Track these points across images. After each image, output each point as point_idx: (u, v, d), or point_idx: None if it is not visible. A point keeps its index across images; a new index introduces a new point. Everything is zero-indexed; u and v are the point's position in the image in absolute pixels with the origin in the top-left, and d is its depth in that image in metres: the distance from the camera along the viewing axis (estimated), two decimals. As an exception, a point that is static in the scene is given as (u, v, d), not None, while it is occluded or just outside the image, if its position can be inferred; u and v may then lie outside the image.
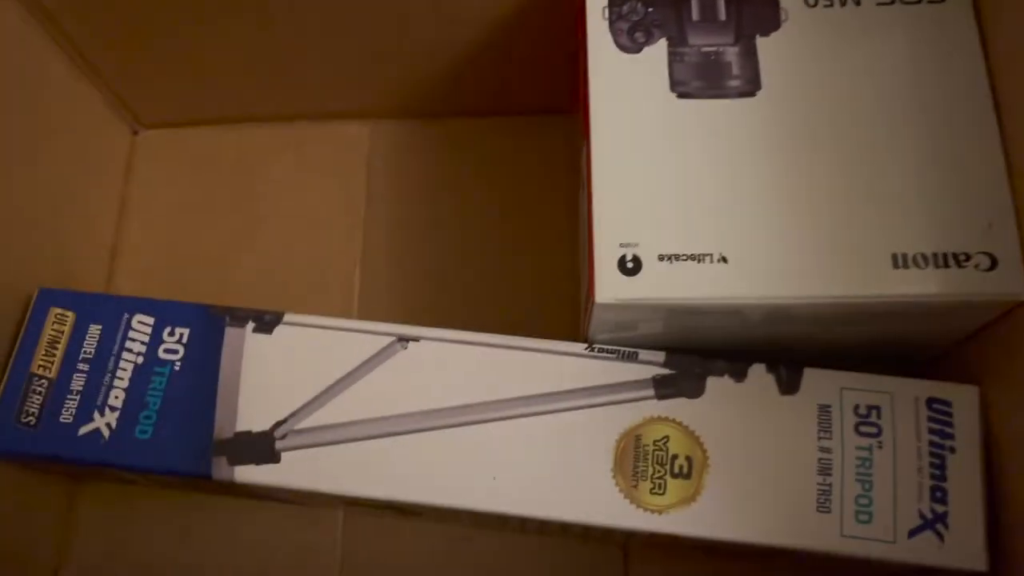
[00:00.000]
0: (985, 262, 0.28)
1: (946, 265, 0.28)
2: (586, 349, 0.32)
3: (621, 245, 0.29)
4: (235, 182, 0.44)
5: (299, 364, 0.33)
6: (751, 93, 0.31)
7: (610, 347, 0.32)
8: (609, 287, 0.29)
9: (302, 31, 0.40)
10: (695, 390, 0.32)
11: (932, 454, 0.30)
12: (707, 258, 0.29)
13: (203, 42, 0.41)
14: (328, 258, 0.42)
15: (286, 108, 0.45)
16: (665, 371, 0.32)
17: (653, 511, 0.30)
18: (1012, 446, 0.30)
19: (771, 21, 0.32)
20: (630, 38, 0.32)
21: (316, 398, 0.33)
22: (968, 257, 0.28)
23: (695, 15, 0.32)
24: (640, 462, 0.31)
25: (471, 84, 0.43)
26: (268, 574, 0.39)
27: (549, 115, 0.43)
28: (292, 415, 0.33)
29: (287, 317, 0.34)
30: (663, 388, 0.32)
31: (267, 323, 0.34)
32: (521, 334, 0.33)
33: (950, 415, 0.31)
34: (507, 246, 0.42)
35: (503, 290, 0.41)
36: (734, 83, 0.31)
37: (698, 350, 0.32)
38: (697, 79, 0.31)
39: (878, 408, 0.31)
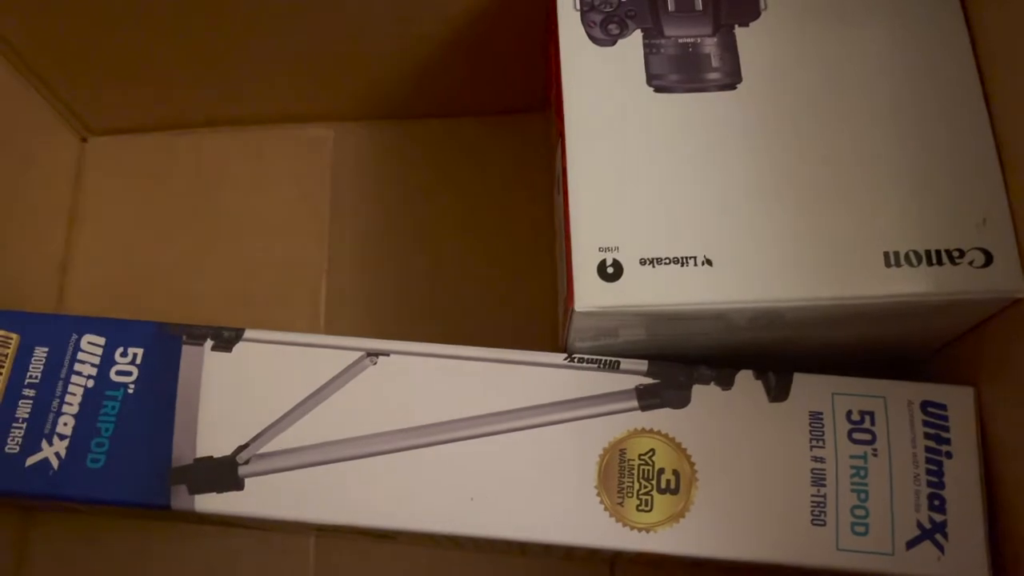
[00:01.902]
0: (980, 259, 0.27)
1: (939, 263, 0.27)
2: (565, 359, 0.31)
3: (600, 249, 0.28)
4: (192, 190, 0.42)
5: (262, 383, 0.31)
6: (732, 86, 0.29)
7: (590, 357, 0.31)
8: (588, 294, 0.27)
9: (259, 31, 0.38)
10: (680, 400, 0.30)
11: (929, 460, 0.29)
12: (691, 261, 0.27)
13: (154, 44, 0.39)
14: (292, 269, 0.40)
15: (245, 112, 0.43)
16: (648, 380, 0.31)
17: (640, 529, 0.29)
18: (1010, 448, 0.29)
19: (750, 10, 0.30)
20: (603, 30, 0.30)
21: (281, 419, 0.31)
22: (962, 254, 0.27)
23: (671, 5, 0.30)
24: (625, 478, 0.29)
25: (440, 83, 0.41)
26: (236, 603, 0.37)
27: (523, 114, 0.42)
28: (255, 438, 0.31)
29: (248, 333, 0.32)
30: (647, 398, 0.30)
31: (226, 340, 0.32)
32: (497, 345, 0.31)
33: (946, 418, 0.29)
34: (481, 252, 0.40)
35: (477, 299, 0.39)
36: (714, 76, 0.29)
37: (683, 357, 0.31)
38: (675, 72, 0.30)
39: (871, 413, 0.30)
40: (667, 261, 0.27)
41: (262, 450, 0.30)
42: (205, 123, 0.43)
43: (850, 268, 0.27)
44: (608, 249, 0.28)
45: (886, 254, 0.27)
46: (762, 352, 0.31)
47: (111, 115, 0.43)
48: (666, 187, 0.28)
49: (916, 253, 0.27)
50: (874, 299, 0.27)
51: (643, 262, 0.27)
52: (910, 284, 0.27)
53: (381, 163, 0.42)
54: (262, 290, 0.40)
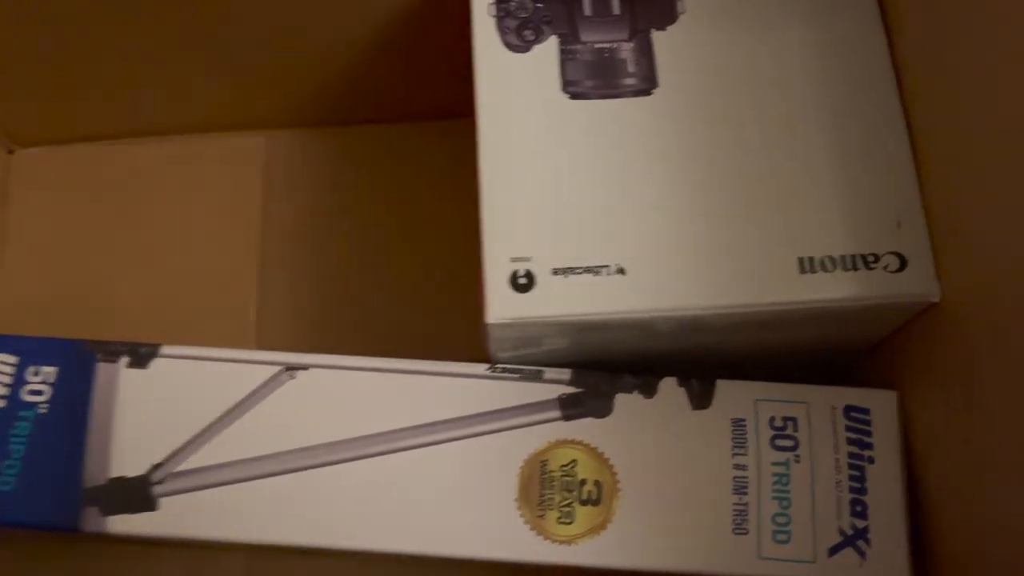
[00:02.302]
0: (895, 263, 0.27)
1: (855, 268, 0.27)
2: (488, 370, 0.30)
3: (512, 259, 0.27)
4: (121, 202, 0.41)
5: (178, 400, 0.30)
6: (647, 92, 0.29)
7: (513, 367, 0.30)
8: (500, 306, 0.27)
9: (186, 39, 0.37)
10: (603, 409, 0.30)
11: (851, 466, 0.29)
12: (604, 270, 0.27)
13: (80, 54, 0.38)
14: (223, 282, 0.39)
15: (175, 121, 0.42)
16: (571, 390, 0.30)
17: (562, 542, 0.28)
18: (932, 452, 0.28)
19: (667, 14, 0.30)
20: (518, 36, 0.29)
21: (196, 437, 0.30)
22: (877, 258, 0.27)
23: (587, 10, 0.30)
24: (546, 490, 0.29)
25: (372, 88, 0.40)
26: (167, 623, 0.36)
27: (458, 119, 0.41)
28: (170, 457, 0.30)
29: (164, 349, 0.31)
30: (569, 408, 0.30)
31: (142, 357, 0.31)
32: (430, 354, 0.31)
33: (868, 423, 0.29)
34: (415, 261, 0.39)
35: (412, 309, 0.39)
36: (629, 81, 0.29)
37: (609, 363, 0.31)
38: (590, 78, 0.29)
39: (794, 419, 0.29)
40: (580, 271, 0.27)
41: (177, 469, 0.30)
42: (135, 133, 0.42)
43: (765, 275, 0.27)
44: (520, 259, 0.27)
45: (801, 260, 0.27)
46: (687, 358, 0.31)
47: (37, 126, 0.42)
48: (580, 195, 0.28)
49: (831, 258, 0.27)
50: (789, 305, 0.27)
51: (556, 272, 0.27)
52: (825, 290, 0.27)
53: (313, 171, 0.41)
54: (191, 304, 0.39)
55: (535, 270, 0.27)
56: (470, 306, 0.39)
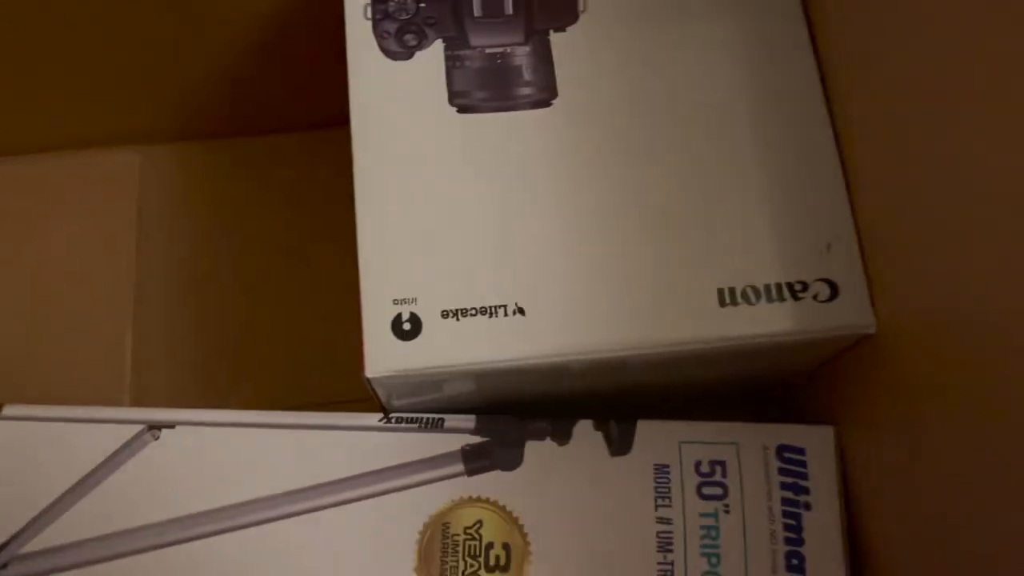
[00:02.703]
0: (824, 291, 0.24)
1: (780, 298, 0.24)
2: (381, 420, 0.27)
3: (395, 302, 0.24)
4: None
5: (24, 469, 0.26)
6: (546, 103, 0.26)
7: (411, 415, 0.27)
8: (381, 356, 0.23)
9: (39, 46, 0.33)
10: (512, 460, 0.27)
11: (786, 513, 0.26)
12: (500, 310, 0.24)
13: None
14: (92, 321, 0.35)
15: (27, 138, 0.37)
16: (476, 439, 0.27)
17: (467, 615, 0.25)
18: (873, 500, 0.26)
19: (568, 13, 0.26)
20: (398, 41, 0.26)
21: (46, 511, 0.26)
22: (805, 287, 0.24)
23: (476, 10, 0.26)
24: (449, 556, 0.26)
25: (250, 99, 0.36)
26: None
27: (339, 127, 0.37)
28: (15, 537, 0.26)
29: (5, 410, 0.27)
30: (474, 461, 0.27)
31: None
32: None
33: (803, 464, 0.26)
34: (309, 286, 0.36)
35: (300, 341, 0.35)
36: (525, 91, 0.26)
37: (520, 405, 0.27)
38: (481, 89, 0.26)
39: (722, 463, 0.26)
40: (473, 312, 0.24)
41: (23, 550, 0.26)
42: None
43: (681, 309, 0.24)
44: (404, 301, 0.24)
45: (720, 291, 0.24)
46: (606, 397, 0.28)
47: None
48: (471, 224, 0.24)
49: (754, 288, 0.24)
50: (709, 344, 0.24)
51: (445, 314, 0.24)
52: (748, 325, 0.24)
53: (193, 189, 0.37)
54: (55, 349, 0.35)
55: (421, 313, 0.24)
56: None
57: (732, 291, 0.24)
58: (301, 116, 0.37)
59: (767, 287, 0.24)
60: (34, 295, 0.35)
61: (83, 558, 0.26)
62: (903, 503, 0.24)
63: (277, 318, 0.35)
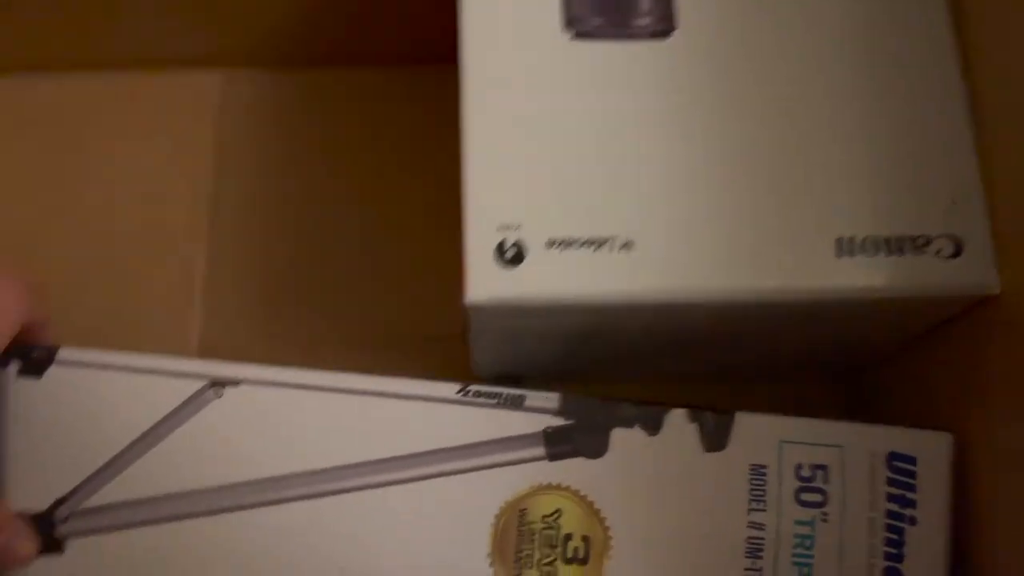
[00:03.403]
0: (948, 247, 0.23)
1: (901, 252, 0.23)
2: (459, 393, 0.25)
3: (500, 228, 0.23)
4: (47, 145, 0.34)
5: (81, 419, 0.25)
6: (665, 34, 0.24)
7: (490, 390, 0.25)
8: (484, 282, 0.23)
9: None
10: (596, 447, 0.25)
11: (889, 527, 0.24)
12: (608, 243, 0.23)
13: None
14: (164, 247, 0.33)
15: (115, 52, 0.35)
16: (559, 421, 0.25)
17: (541, 606, 0.24)
18: (985, 509, 0.24)
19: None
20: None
21: (106, 467, 0.25)
22: (928, 241, 0.23)
23: (599, -65, 0.22)
24: (525, 544, 0.24)
25: (343, 25, 0.33)
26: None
27: (434, 64, 0.34)
28: (76, 490, 0.25)
29: (62, 353, 0.25)
30: (556, 445, 0.25)
31: (35, 363, 0.25)
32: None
33: (913, 475, 0.24)
34: (384, 228, 0.33)
35: (376, 287, 0.33)
36: (644, 21, 0.24)
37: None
38: (598, 15, 0.24)
39: (824, 468, 0.24)
40: (580, 243, 0.23)
41: (85, 505, 0.25)
42: (67, 66, 0.35)
43: (797, 256, 0.23)
44: (509, 227, 0.23)
45: (839, 240, 0.23)
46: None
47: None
48: (582, 154, 0.23)
49: (874, 240, 0.23)
50: (823, 294, 0.23)
51: (551, 244, 0.23)
52: (866, 276, 0.23)
53: (273, 118, 0.34)
54: (127, 274, 0.33)
55: (526, 240, 0.23)
56: (448, 283, 0.33)
57: (851, 241, 0.22)
58: (390, 48, 0.34)
59: (887, 239, 0.23)
60: (112, 215, 0.34)
61: (139, 518, 0.25)
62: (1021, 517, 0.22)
63: (353, 254, 0.33)
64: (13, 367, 0.25)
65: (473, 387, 0.25)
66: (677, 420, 0.25)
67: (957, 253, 0.23)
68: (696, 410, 0.25)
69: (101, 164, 0.35)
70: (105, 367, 0.25)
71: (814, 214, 0.23)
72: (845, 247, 0.23)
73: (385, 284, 0.33)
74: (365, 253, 0.33)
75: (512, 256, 0.23)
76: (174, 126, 0.35)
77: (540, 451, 0.25)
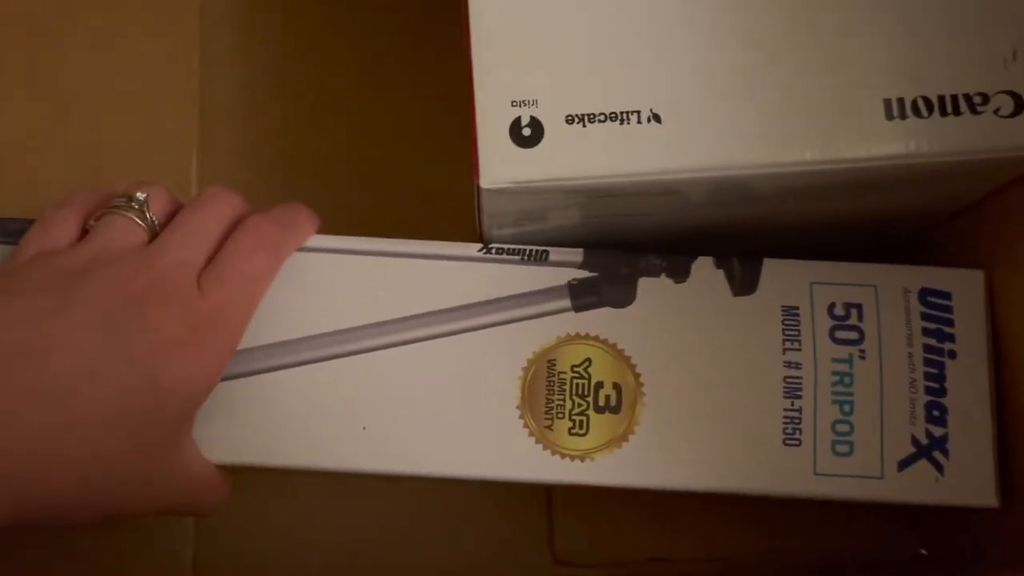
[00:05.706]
0: (1008, 105, 0.21)
1: (956, 111, 0.21)
2: (481, 251, 0.25)
3: (513, 103, 0.21)
4: (27, 51, 0.34)
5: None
6: None
7: (512, 247, 0.25)
8: (498, 165, 0.21)
9: None
10: (623, 296, 0.24)
11: (928, 362, 0.24)
12: (634, 117, 0.21)
13: None
14: (155, 145, 0.33)
15: None
16: (584, 274, 0.24)
17: (574, 457, 0.23)
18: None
19: None
20: None
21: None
22: (986, 99, 0.21)
23: None
24: (555, 394, 0.24)
25: None
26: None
27: None
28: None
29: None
30: (582, 296, 0.24)
31: (10, 235, 0.25)
32: (401, 232, 0.25)
33: (950, 309, 0.24)
34: (387, 117, 0.33)
35: (382, 176, 0.32)
36: None
37: (627, 244, 0.25)
38: None
39: (859, 306, 0.24)
40: (602, 118, 0.21)
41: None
42: None
43: (841, 122, 0.21)
44: (524, 103, 0.21)
45: (887, 102, 0.21)
46: (722, 234, 0.25)
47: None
48: (603, 19, 0.22)
49: (926, 100, 0.21)
50: (873, 162, 0.21)
51: (570, 119, 0.21)
52: (918, 141, 0.21)
53: (261, 6, 0.34)
54: (120, 171, 0.32)
55: (543, 116, 0.21)
56: (455, 173, 0.33)
57: (901, 102, 0.21)
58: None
59: (941, 99, 0.21)
60: (99, 118, 0.33)
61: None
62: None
63: (353, 147, 0.33)
64: None
65: (495, 245, 0.25)
66: (704, 267, 0.24)
67: (1018, 111, 0.21)
68: (723, 258, 0.25)
69: (79, 72, 0.34)
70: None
71: (859, 75, 0.21)
72: (895, 109, 0.21)
73: (387, 179, 0.32)
74: (368, 152, 0.33)
75: (529, 135, 0.21)
76: (155, 25, 0.34)
77: (566, 303, 0.24)
